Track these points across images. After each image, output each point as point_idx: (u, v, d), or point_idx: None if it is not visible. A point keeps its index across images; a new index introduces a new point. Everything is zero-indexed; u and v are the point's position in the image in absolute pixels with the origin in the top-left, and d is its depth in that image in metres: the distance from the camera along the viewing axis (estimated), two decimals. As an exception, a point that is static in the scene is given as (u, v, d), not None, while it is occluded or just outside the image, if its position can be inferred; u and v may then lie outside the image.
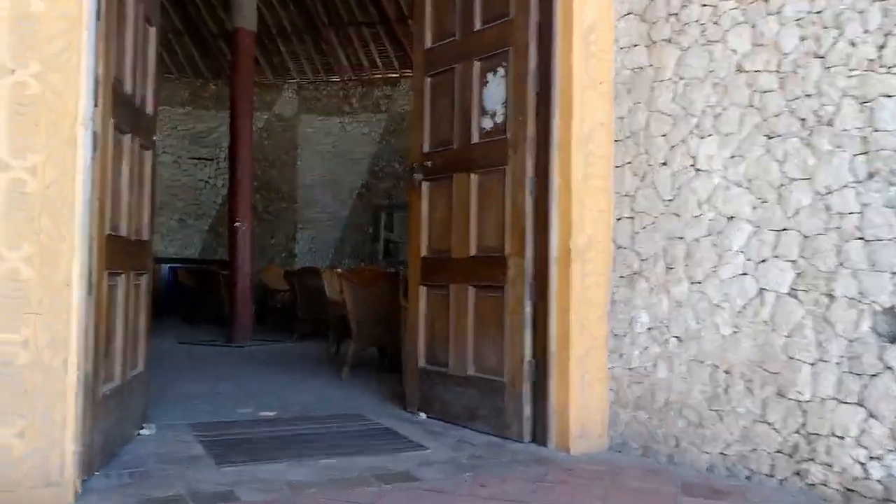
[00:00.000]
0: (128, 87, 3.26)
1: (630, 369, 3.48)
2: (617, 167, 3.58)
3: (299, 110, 14.68)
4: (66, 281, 2.53)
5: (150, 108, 3.64)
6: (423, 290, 4.29)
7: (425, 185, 4.30)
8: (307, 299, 8.93)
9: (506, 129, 3.79)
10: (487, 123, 3.93)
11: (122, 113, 3.16)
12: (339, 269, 5.74)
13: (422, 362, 4.26)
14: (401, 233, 14.29)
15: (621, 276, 3.54)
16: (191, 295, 11.86)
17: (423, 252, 4.30)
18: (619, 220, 3.57)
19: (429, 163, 4.25)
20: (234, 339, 8.46)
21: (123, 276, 3.20)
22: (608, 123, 3.58)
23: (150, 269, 3.74)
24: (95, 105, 2.79)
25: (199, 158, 14.10)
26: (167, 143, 13.93)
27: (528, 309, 3.64)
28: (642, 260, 3.45)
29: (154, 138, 3.75)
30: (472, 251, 3.96)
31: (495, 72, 3.88)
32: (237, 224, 8.58)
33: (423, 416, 4.18)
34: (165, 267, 12.38)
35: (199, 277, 11.50)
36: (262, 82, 14.25)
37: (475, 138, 3.98)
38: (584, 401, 3.51)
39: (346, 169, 14.34)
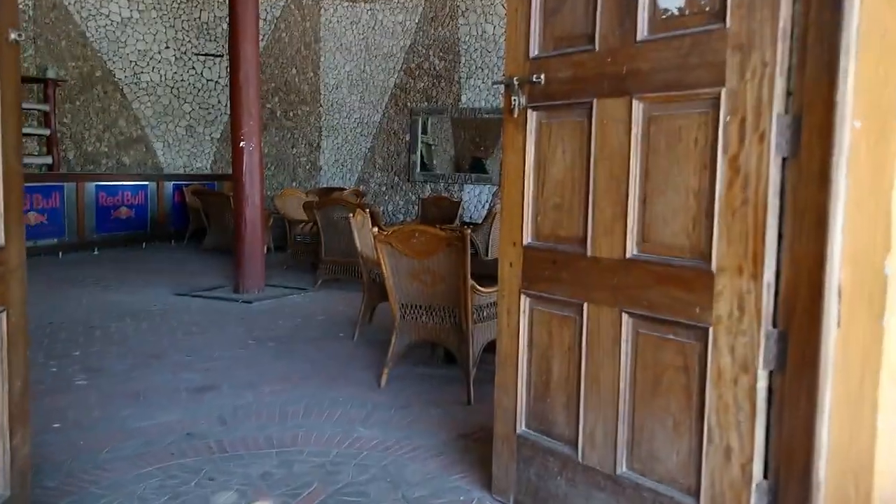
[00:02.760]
0: None
1: (984, 519, 1.68)
2: None
3: (321, -5, 12.45)
4: None
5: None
6: (525, 301, 2.47)
7: (533, 117, 2.40)
8: (332, 238, 7.14)
9: (723, 13, 1.85)
10: (673, 1, 1.99)
11: None
12: (374, 229, 3.92)
13: (522, 426, 2.50)
14: (436, 136, 12.30)
15: (973, 327, 1.68)
16: (198, 219, 10.15)
17: (528, 237, 2.45)
18: (979, 209, 1.68)
19: (539, 77, 2.34)
20: (242, 286, 6.77)
21: None
22: (972, -4, 1.63)
23: (21, 295, 1.95)
24: None
25: (206, 55, 12.04)
26: (168, 37, 11.89)
27: (761, 382, 1.82)
28: None
29: (12, 36, 1.86)
30: (631, 249, 2.11)
31: None
32: (242, 143, 6.71)
33: (525, 518, 2.46)
34: (170, 185, 10.61)
35: (205, 199, 9.75)
36: (277, -39, 12.03)
37: (643, 31, 2.05)
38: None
39: (376, 66, 12.22)
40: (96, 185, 9.41)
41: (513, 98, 2.42)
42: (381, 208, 12.23)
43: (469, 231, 3.61)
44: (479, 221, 9.83)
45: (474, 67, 11.33)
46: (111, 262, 8.58)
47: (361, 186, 12.22)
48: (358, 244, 5.05)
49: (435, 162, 12.30)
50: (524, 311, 2.46)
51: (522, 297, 2.46)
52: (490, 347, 3.99)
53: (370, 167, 12.47)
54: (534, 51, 2.38)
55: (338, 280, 7.16)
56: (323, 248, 7.27)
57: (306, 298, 6.68)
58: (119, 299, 6.36)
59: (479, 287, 3.74)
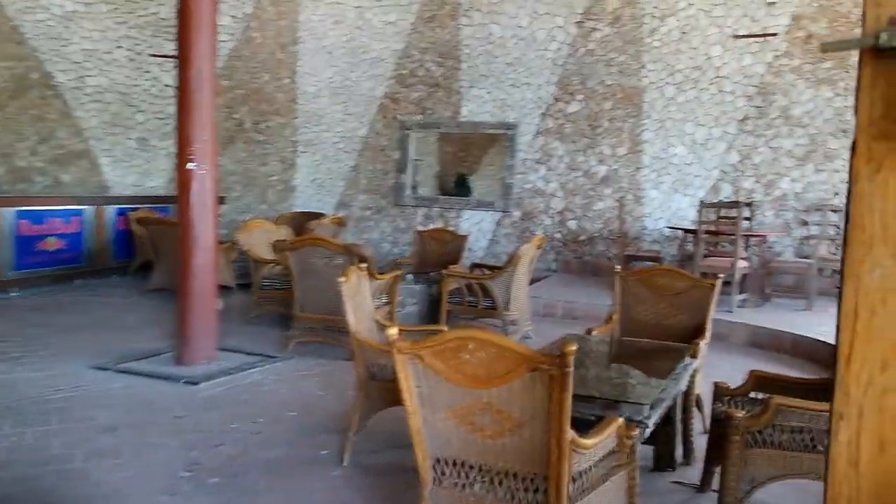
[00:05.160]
0: None
1: None
2: None
3: (299, -9, 10.76)
4: None
5: None
6: None
7: None
8: (310, 288, 5.46)
9: None
10: None
11: None
12: (393, 331, 2.25)
13: None
14: (420, 150, 10.59)
15: None
16: (146, 250, 8.36)
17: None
18: None
19: None
20: (186, 355, 5.04)
21: None
22: None
23: None
24: None
25: (163, 56, 10.28)
26: (120, 34, 10.14)
27: None
28: None
29: None
30: None
31: None
32: (191, 164, 5.02)
33: None
34: (112, 210, 8.78)
35: (152, 227, 7.97)
36: (247, -50, 10.35)
37: None
38: None
39: (362, 72, 10.54)
40: (17, 212, 7.60)
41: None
42: (365, 237, 10.54)
43: (573, 349, 1.94)
44: (492, 263, 8.17)
45: (477, 75, 9.72)
46: (27, 311, 6.77)
47: (342, 212, 10.51)
48: (351, 320, 3.38)
49: (418, 179, 10.64)
50: None
51: None
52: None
53: (353, 189, 10.77)
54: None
55: (316, 341, 5.47)
56: (297, 301, 5.57)
57: (272, 374, 4.96)
58: (14, 378, 4.60)
59: (580, 440, 2.09)
